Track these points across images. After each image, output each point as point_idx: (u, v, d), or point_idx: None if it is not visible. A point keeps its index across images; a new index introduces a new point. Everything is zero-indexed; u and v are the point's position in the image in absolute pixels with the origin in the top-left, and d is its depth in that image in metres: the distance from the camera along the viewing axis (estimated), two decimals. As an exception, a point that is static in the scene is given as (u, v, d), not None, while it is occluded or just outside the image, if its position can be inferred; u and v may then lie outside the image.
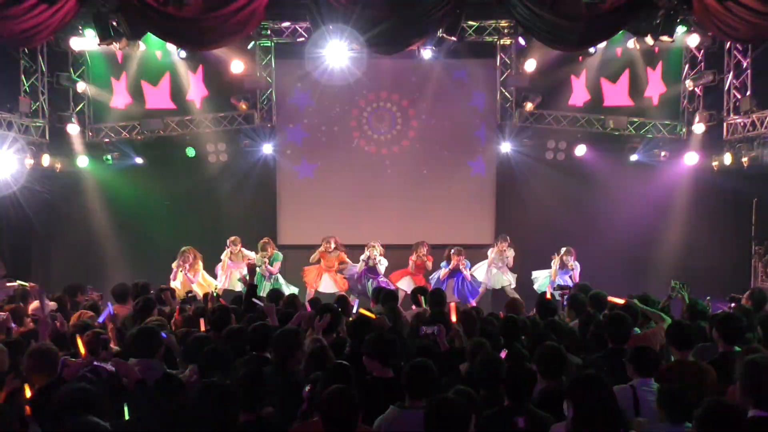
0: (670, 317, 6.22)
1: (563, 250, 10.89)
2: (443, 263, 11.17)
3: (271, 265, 10.93)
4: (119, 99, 12.56)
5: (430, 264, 11.19)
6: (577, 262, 10.90)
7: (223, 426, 3.44)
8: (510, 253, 11.30)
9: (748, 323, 5.63)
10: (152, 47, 12.14)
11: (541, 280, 11.04)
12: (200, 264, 10.81)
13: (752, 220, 12.29)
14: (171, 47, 11.88)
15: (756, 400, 3.43)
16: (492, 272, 11.33)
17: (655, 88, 12.54)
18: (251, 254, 11.09)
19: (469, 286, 11.11)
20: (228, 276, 10.99)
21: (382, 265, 11.06)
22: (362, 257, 11.02)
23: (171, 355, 5.19)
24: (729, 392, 4.02)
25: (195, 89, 12.49)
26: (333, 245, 11.01)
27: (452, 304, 6.20)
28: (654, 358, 4.50)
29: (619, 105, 12.58)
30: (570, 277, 10.82)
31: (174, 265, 10.72)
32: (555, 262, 10.82)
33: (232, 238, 11.15)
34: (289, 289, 10.57)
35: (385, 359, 4.34)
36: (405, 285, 11.02)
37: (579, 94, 12.63)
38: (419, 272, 11.25)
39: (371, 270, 11.04)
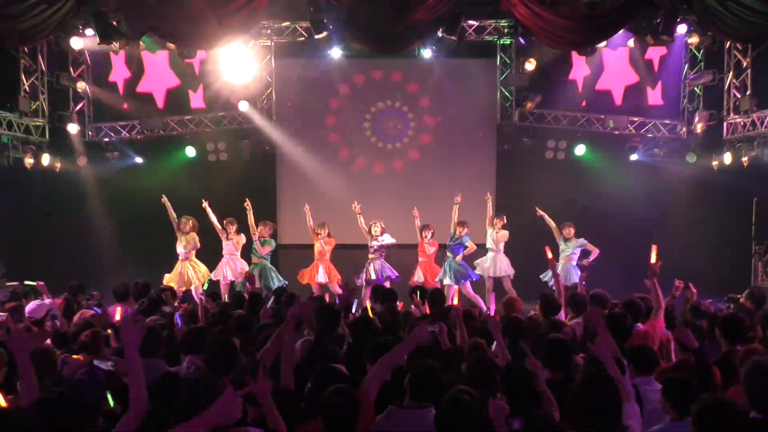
0: (673, 317, 6.22)
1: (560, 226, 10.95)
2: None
3: (261, 245, 10.77)
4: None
5: (432, 249, 11.01)
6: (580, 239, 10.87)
7: None
8: (503, 233, 11.09)
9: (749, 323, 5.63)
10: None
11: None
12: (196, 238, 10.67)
13: (752, 220, 12.29)
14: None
15: (752, 401, 3.44)
16: (497, 258, 11.13)
17: (655, 51, 12.55)
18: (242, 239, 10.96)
19: (463, 268, 10.83)
20: (225, 265, 10.90)
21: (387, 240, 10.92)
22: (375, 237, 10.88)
23: (173, 353, 5.17)
24: (731, 393, 4.01)
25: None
26: (327, 231, 10.96)
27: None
28: (653, 356, 4.50)
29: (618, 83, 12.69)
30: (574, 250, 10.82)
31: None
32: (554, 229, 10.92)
33: (230, 219, 10.88)
34: (278, 281, 10.57)
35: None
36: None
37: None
38: (425, 256, 11.03)
39: (380, 249, 10.94)
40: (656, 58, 12.61)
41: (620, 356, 4.32)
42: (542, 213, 11.03)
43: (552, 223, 10.95)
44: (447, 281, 10.73)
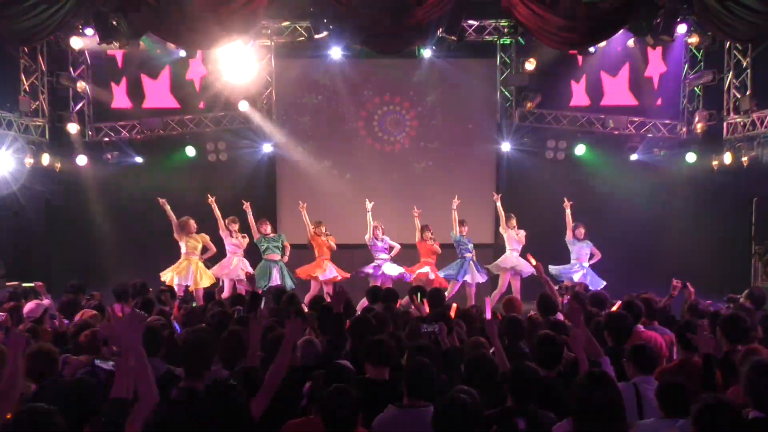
0: (672, 317, 6.23)
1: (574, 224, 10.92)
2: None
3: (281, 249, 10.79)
4: (119, 102, 12.74)
5: (440, 250, 10.99)
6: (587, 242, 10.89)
7: (225, 425, 3.42)
8: (522, 232, 11.14)
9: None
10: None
11: (561, 269, 10.90)
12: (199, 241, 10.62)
13: (752, 220, 12.29)
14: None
15: (754, 401, 3.44)
16: (519, 257, 11.07)
17: (655, 68, 12.54)
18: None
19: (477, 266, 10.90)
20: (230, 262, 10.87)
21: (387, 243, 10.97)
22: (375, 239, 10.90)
23: (174, 353, 5.17)
24: (731, 393, 4.01)
25: (194, 69, 12.52)
26: (324, 229, 10.95)
27: (453, 305, 6.18)
28: (653, 355, 4.50)
29: (619, 104, 12.69)
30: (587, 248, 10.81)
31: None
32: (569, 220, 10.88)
33: (232, 217, 10.82)
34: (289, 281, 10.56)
35: (376, 361, 4.33)
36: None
37: (579, 97, 12.77)
38: (431, 256, 11.01)
39: (387, 249, 10.94)
40: (656, 76, 12.60)
41: (599, 353, 4.31)
42: (567, 206, 10.92)
43: (570, 221, 10.92)
44: (466, 279, 10.75)
